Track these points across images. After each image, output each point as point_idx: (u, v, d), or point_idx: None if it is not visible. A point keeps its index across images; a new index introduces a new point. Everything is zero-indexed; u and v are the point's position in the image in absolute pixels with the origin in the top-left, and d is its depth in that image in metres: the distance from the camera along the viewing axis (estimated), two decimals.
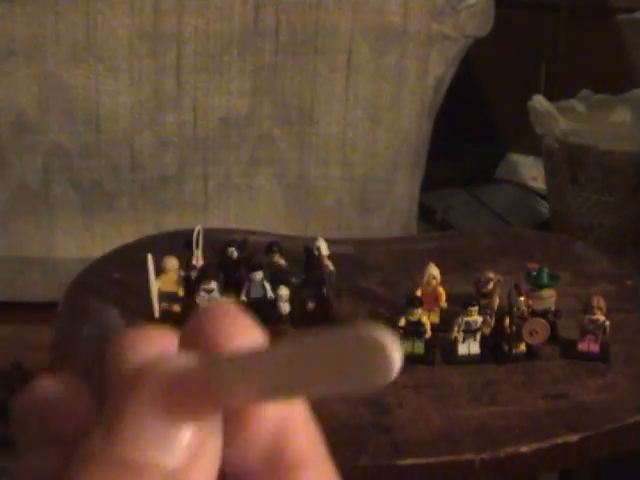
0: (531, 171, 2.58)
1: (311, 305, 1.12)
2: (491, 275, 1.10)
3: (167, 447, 0.23)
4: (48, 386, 0.27)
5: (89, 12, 1.73)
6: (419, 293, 1.09)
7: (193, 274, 1.13)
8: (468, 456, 0.91)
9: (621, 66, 2.45)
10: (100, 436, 0.23)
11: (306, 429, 0.26)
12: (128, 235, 1.80)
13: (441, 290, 1.10)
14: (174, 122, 1.82)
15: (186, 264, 1.14)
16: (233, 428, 0.24)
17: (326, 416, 0.96)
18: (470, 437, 0.93)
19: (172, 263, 1.11)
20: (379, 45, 1.81)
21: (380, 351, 0.20)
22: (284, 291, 1.11)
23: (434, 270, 1.11)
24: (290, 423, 0.25)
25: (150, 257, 1.07)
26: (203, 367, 0.24)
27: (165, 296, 1.11)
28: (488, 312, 1.08)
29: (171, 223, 1.86)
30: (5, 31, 1.73)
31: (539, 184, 2.50)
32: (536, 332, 1.04)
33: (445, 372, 1.04)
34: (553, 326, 1.06)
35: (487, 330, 1.07)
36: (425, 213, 2.33)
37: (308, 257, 1.14)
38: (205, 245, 1.17)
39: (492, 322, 1.09)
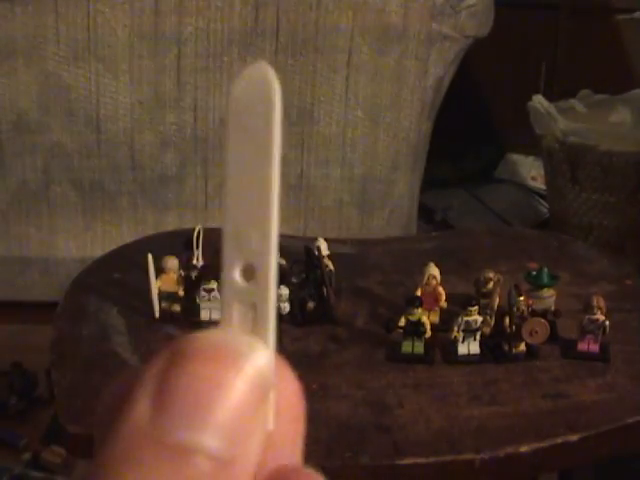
0: (531, 171, 2.58)
1: (311, 305, 1.12)
2: (491, 275, 1.10)
3: (214, 428, 0.21)
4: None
5: (89, 12, 1.73)
6: (419, 293, 1.09)
7: (193, 274, 1.13)
8: (468, 456, 0.91)
9: (621, 66, 2.46)
10: (146, 411, 0.21)
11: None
12: (128, 235, 1.80)
13: (441, 290, 1.10)
14: (174, 122, 1.82)
15: (186, 264, 1.14)
16: None
17: (326, 416, 0.97)
18: (470, 437, 0.93)
19: (172, 263, 1.11)
20: (379, 45, 1.81)
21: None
22: (284, 291, 1.11)
23: (434, 270, 1.11)
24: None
25: (150, 257, 1.07)
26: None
27: (165, 296, 1.11)
28: (488, 312, 1.08)
29: (171, 223, 1.86)
30: (5, 31, 1.73)
31: (539, 184, 2.50)
32: (536, 332, 1.04)
33: (445, 372, 1.04)
34: (553, 326, 1.06)
35: (487, 330, 1.07)
36: (425, 213, 2.33)
37: (308, 257, 1.14)
38: (205, 245, 1.17)
39: (492, 322, 1.09)
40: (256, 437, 0.22)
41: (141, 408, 0.21)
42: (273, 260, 0.24)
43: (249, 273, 0.23)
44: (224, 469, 0.21)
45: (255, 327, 0.23)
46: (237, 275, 0.23)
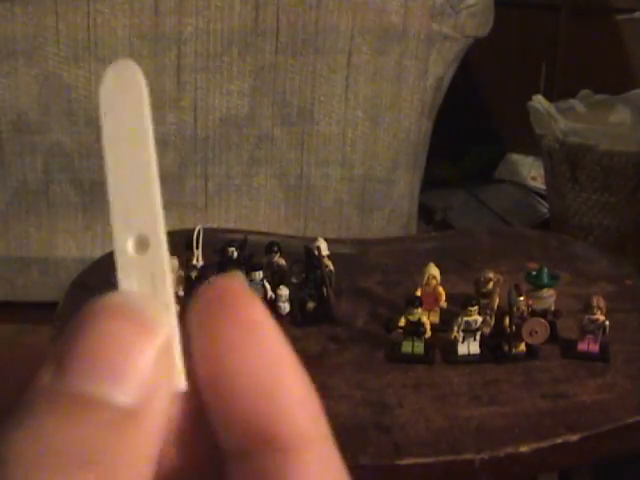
0: (531, 171, 2.58)
1: (311, 305, 1.12)
2: (491, 275, 1.11)
3: (121, 382, 0.21)
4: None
5: (89, 12, 1.73)
6: (419, 293, 1.09)
7: (193, 274, 1.13)
8: (468, 456, 0.91)
9: (621, 66, 2.46)
10: (50, 371, 0.21)
11: (299, 390, 0.24)
12: None
13: (441, 290, 1.10)
14: (174, 122, 1.82)
15: (186, 264, 1.14)
16: (204, 398, 0.23)
17: (326, 416, 0.96)
18: (470, 437, 0.93)
19: (172, 263, 1.10)
20: (379, 45, 1.81)
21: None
22: (284, 291, 1.11)
23: (434, 270, 1.11)
24: (277, 384, 0.23)
25: None
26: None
27: None
28: (488, 312, 1.09)
29: (171, 223, 1.85)
30: (5, 31, 1.73)
31: (539, 184, 2.50)
32: (536, 332, 1.04)
33: (445, 372, 1.04)
34: (553, 326, 1.06)
35: (487, 330, 1.07)
36: (425, 213, 2.33)
37: (308, 257, 1.14)
38: (205, 245, 1.17)
39: (492, 322, 1.09)
40: (164, 398, 0.22)
41: (47, 368, 0.21)
42: (162, 229, 0.25)
43: (142, 245, 0.24)
44: (128, 419, 0.21)
45: (155, 296, 0.24)
46: (130, 248, 0.24)
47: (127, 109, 0.25)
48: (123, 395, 0.21)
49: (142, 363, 0.21)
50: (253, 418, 0.22)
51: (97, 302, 0.22)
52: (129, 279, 0.24)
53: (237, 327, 0.23)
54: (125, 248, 0.24)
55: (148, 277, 0.24)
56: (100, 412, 0.21)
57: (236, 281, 0.24)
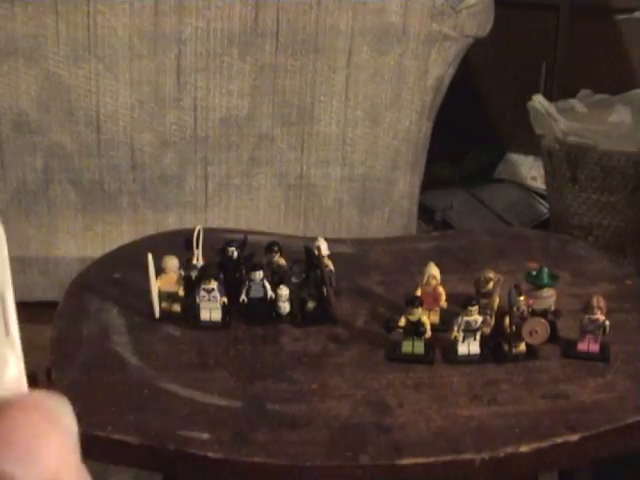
0: (531, 171, 2.58)
1: (311, 305, 1.12)
2: (491, 275, 1.10)
3: (31, 463, 0.24)
4: None
5: (89, 12, 1.73)
6: (419, 293, 1.09)
7: (193, 274, 1.13)
8: (468, 456, 0.91)
9: (621, 66, 2.46)
10: None
11: None
12: (128, 235, 1.80)
13: (441, 290, 1.10)
14: (174, 122, 1.82)
15: (186, 264, 1.14)
16: None
17: (326, 416, 0.96)
18: (470, 437, 0.93)
19: (172, 263, 1.11)
20: (379, 45, 1.81)
21: None
22: (284, 291, 1.11)
23: (434, 270, 1.11)
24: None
25: (150, 257, 1.07)
26: None
27: (165, 296, 1.11)
28: (488, 312, 1.09)
29: (171, 223, 1.86)
30: (5, 31, 1.73)
31: (539, 184, 2.50)
32: (536, 332, 1.04)
33: (445, 372, 1.04)
34: (553, 326, 1.06)
35: (487, 330, 1.07)
36: (425, 213, 2.33)
37: (308, 257, 1.14)
38: (205, 245, 1.17)
39: (492, 322, 1.09)
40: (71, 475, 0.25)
41: None
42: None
43: None
44: None
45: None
46: None
47: None
48: (32, 474, 0.24)
49: (54, 453, 0.24)
50: None
51: (14, 399, 0.25)
52: None
53: None
54: None
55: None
56: None
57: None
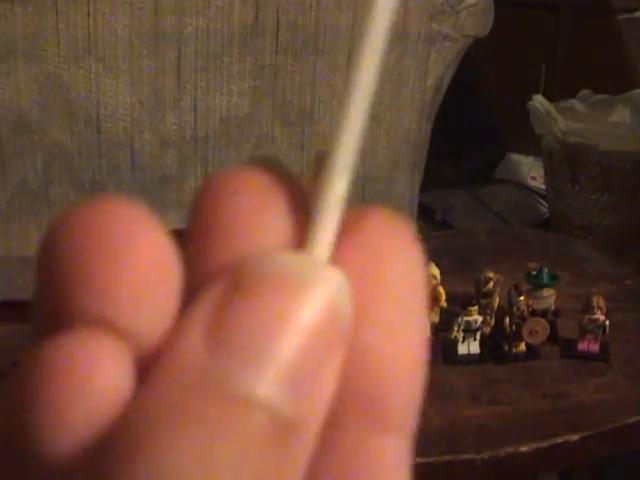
0: (531, 171, 2.58)
1: None
2: (491, 275, 1.11)
3: (291, 383, 0.17)
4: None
5: (89, 12, 1.73)
6: None
7: None
8: (468, 456, 0.91)
9: (621, 66, 2.46)
10: (200, 352, 0.17)
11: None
12: None
13: (441, 290, 1.10)
14: (174, 122, 1.82)
15: None
16: None
17: None
18: (470, 437, 0.93)
19: None
20: None
21: None
22: None
23: (434, 270, 1.11)
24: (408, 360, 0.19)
25: None
26: None
27: None
28: (488, 312, 1.09)
29: (171, 223, 1.85)
30: (5, 31, 1.73)
31: (539, 184, 2.50)
32: (536, 332, 1.04)
33: (445, 372, 1.04)
34: (553, 326, 1.06)
35: (487, 330, 1.07)
36: (425, 213, 2.33)
37: None
38: None
39: (492, 322, 1.09)
40: (328, 386, 0.18)
41: (193, 345, 0.17)
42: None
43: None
44: (287, 432, 0.17)
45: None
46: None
47: None
48: (280, 391, 0.17)
49: (295, 348, 0.17)
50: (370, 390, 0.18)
51: (252, 268, 0.18)
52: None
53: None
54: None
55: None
56: (257, 421, 0.17)
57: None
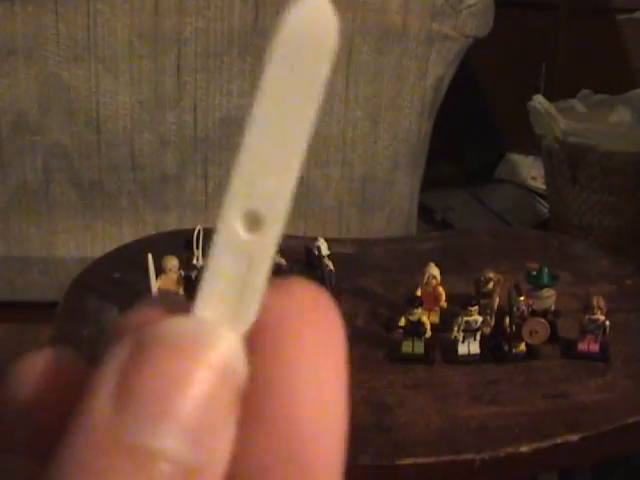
0: (531, 171, 2.58)
1: None
2: (491, 275, 1.11)
3: (191, 435, 0.19)
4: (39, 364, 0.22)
5: (89, 12, 1.73)
6: (419, 293, 1.09)
7: (193, 274, 1.13)
8: (468, 456, 0.91)
9: (621, 66, 2.46)
10: (106, 410, 0.19)
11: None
12: (128, 235, 1.80)
13: (441, 290, 1.10)
14: (174, 122, 1.82)
15: (186, 264, 1.14)
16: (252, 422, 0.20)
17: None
18: (470, 437, 0.93)
19: (172, 263, 1.11)
20: (379, 45, 1.81)
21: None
22: None
23: (434, 270, 1.11)
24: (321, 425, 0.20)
25: (150, 257, 1.07)
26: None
27: None
28: (488, 312, 1.09)
29: (171, 223, 1.86)
30: (5, 31, 1.73)
31: (539, 184, 2.50)
32: (536, 332, 1.04)
33: (445, 372, 1.04)
34: (553, 326, 1.06)
35: (487, 330, 1.07)
36: (425, 213, 2.33)
37: (308, 257, 1.14)
38: (205, 245, 1.17)
39: (492, 322, 1.09)
40: (225, 435, 0.19)
41: (101, 406, 0.19)
42: (284, 210, 0.21)
43: (252, 223, 0.21)
44: (190, 476, 0.19)
45: (245, 284, 0.21)
46: (237, 223, 0.21)
47: (307, 58, 0.21)
48: (181, 443, 0.19)
49: (192, 403, 0.19)
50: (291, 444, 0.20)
51: (153, 330, 0.20)
52: (223, 258, 0.21)
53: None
54: (232, 221, 0.21)
55: (245, 260, 0.21)
56: (161, 469, 0.19)
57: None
